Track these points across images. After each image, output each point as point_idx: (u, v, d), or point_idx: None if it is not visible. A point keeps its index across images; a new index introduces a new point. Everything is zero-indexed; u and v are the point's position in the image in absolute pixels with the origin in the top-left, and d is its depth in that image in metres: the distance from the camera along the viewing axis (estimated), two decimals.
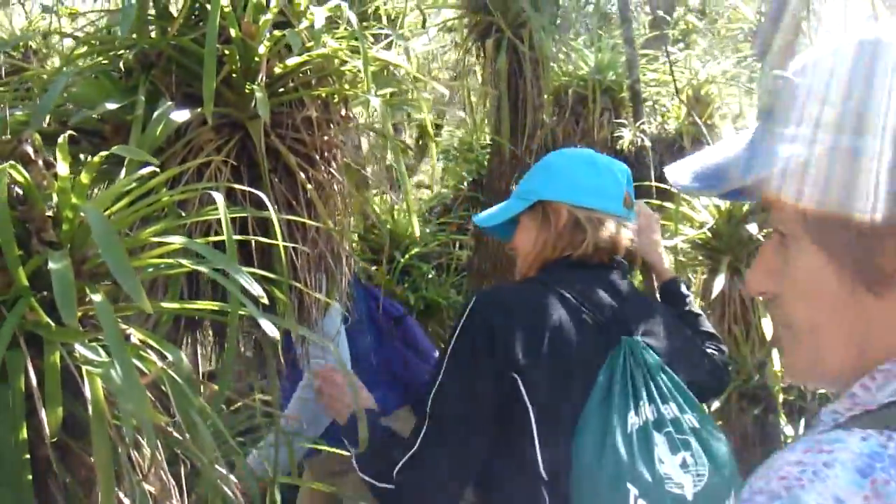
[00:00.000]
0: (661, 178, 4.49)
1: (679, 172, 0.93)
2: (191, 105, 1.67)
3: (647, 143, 4.18)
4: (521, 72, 3.84)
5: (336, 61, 1.85)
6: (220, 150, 1.74)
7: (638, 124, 4.27)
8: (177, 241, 1.19)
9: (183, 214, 1.50)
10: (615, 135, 4.51)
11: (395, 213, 5.05)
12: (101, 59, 1.89)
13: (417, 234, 1.84)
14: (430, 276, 4.92)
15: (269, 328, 1.11)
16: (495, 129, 3.89)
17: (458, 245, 5.36)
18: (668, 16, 6.20)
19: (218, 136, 1.75)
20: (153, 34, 1.82)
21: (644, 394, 1.67)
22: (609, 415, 1.61)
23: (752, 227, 3.28)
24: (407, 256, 4.77)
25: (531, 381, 1.64)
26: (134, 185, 1.34)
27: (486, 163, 5.93)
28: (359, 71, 1.85)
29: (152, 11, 1.82)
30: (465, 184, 6.28)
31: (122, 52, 1.85)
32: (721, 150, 0.92)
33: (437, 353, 3.12)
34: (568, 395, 1.65)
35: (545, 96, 3.83)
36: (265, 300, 1.11)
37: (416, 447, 1.67)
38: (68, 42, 2.19)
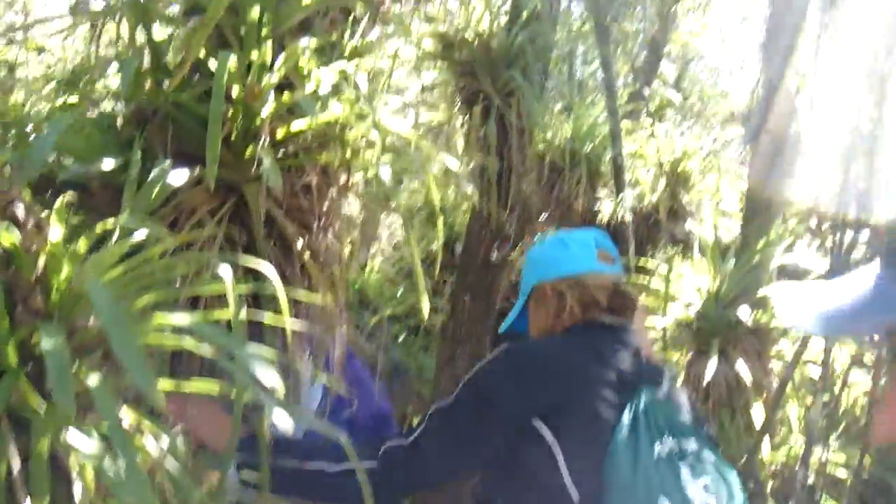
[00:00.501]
0: (637, 250, 4.47)
1: (797, 314, 0.87)
2: (184, 163, 1.58)
3: (628, 217, 4.15)
4: (506, 140, 3.82)
5: (338, 126, 1.78)
6: (213, 213, 1.65)
7: (620, 198, 4.25)
8: (183, 319, 1.09)
9: (177, 283, 1.40)
10: (595, 208, 4.49)
11: (365, 273, 4.98)
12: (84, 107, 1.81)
13: (426, 312, 1.74)
14: (399, 338, 4.84)
15: (283, 419, 1.02)
16: (481, 194, 3.85)
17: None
18: (647, 86, 6.24)
19: (212, 199, 1.66)
20: (147, 88, 1.73)
21: (666, 429, 1.78)
22: (638, 443, 1.73)
23: (742, 312, 3.23)
24: (377, 317, 4.68)
25: (557, 423, 1.74)
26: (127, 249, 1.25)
27: (455, 226, 5.87)
28: (363, 137, 1.78)
29: (146, 64, 1.74)
30: (435, 245, 6.20)
31: (112, 105, 1.77)
32: (841, 290, 0.86)
33: (379, 393, 3.14)
34: (595, 436, 1.75)
35: (528, 164, 3.81)
36: (281, 393, 1.01)
37: (412, 438, 1.81)
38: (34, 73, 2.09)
